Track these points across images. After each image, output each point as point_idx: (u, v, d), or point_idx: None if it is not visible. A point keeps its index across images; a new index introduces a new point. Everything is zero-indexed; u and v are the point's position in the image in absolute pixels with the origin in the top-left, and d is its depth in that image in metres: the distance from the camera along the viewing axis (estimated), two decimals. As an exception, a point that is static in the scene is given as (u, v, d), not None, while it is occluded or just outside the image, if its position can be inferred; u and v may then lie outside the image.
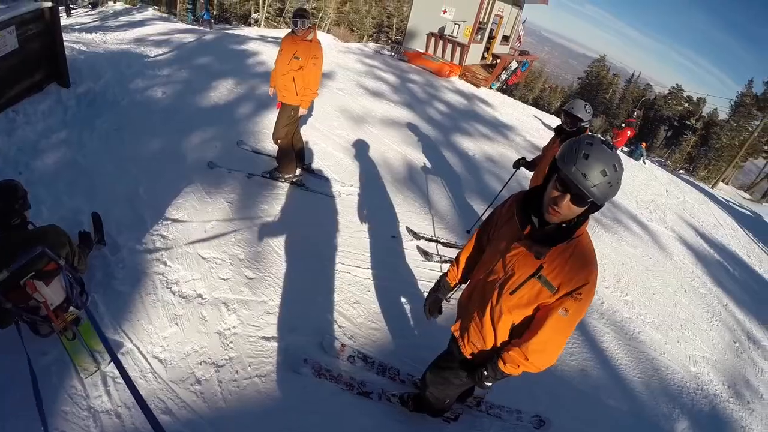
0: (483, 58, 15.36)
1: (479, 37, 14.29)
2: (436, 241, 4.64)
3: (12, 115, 4.65)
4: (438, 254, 4.44)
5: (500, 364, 1.86)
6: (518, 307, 1.75)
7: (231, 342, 3.06)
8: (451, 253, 4.54)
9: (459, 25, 13.40)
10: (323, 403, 2.87)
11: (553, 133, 4.31)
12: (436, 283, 2.39)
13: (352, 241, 4.20)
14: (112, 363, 2.85)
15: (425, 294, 3.87)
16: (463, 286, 2.25)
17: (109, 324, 3.03)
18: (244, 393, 2.84)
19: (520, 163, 4.41)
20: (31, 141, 4.46)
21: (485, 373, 1.95)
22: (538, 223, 1.69)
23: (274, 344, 3.11)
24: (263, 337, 3.13)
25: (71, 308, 2.82)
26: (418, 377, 3.13)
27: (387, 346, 3.39)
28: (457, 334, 2.12)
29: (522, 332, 1.80)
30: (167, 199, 4.16)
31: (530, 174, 4.55)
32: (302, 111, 4.55)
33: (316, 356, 3.11)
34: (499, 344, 1.91)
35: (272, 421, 2.72)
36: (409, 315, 3.70)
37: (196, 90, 6.51)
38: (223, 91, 6.75)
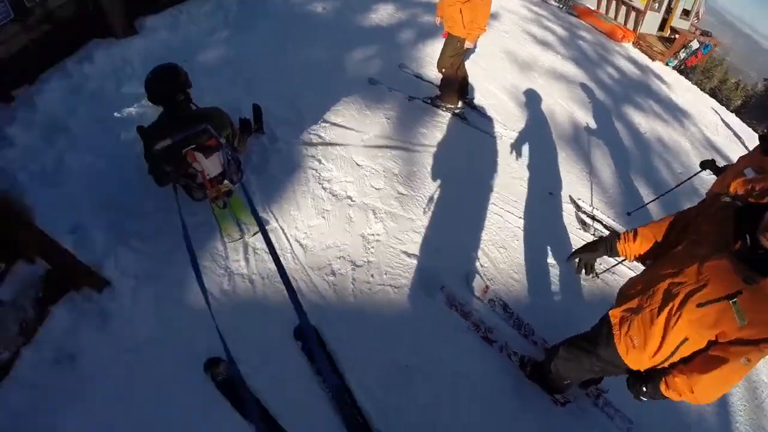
0: (660, 29, 13.28)
1: (657, 5, 12.28)
2: (593, 218, 4.13)
3: (176, 13, 4.93)
4: (596, 231, 3.95)
5: (662, 387, 1.71)
6: (700, 324, 1.56)
7: (372, 247, 2.99)
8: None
9: (638, -13, 11.61)
10: (445, 333, 2.72)
11: (744, 146, 3.43)
12: (599, 239, 2.10)
13: (508, 186, 3.88)
14: (255, 236, 2.97)
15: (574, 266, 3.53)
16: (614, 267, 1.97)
17: (259, 203, 3.14)
18: (374, 297, 2.78)
19: (708, 165, 3.65)
20: (194, 38, 4.70)
21: (644, 389, 1.81)
22: (750, 243, 1.48)
23: (414, 262, 2.98)
24: (404, 252, 3.01)
25: (225, 181, 2.95)
26: (550, 343, 2.82)
27: (523, 300, 3.09)
28: (615, 321, 1.89)
29: (689, 357, 1.65)
30: (327, 105, 4.17)
31: (707, 177, 3.79)
32: (468, 44, 4.23)
33: (453, 287, 2.93)
34: (660, 354, 1.72)
35: (392, 331, 2.65)
36: (553, 277, 3.33)
37: (355, 10, 6.40)
38: (383, 14, 6.57)
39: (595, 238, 2.33)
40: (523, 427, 2.49)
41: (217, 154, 2.83)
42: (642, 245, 1.94)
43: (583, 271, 2.14)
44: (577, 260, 2.13)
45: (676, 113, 8.22)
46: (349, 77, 4.69)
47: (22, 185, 3.00)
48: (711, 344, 1.58)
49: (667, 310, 1.63)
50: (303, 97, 4.18)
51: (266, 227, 3.02)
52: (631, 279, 1.97)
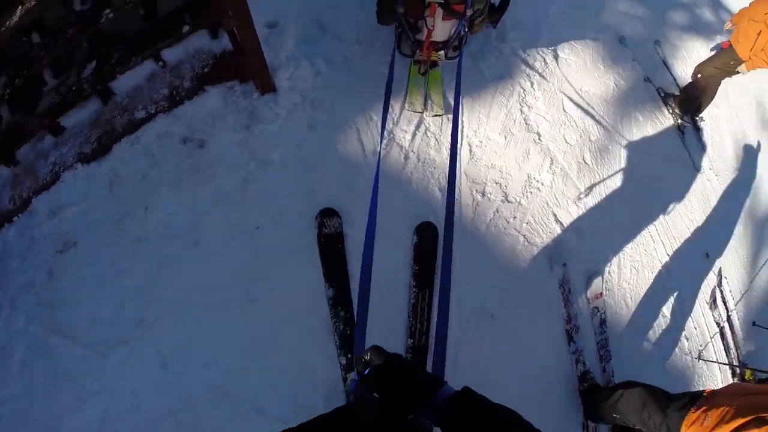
0: None
1: None
2: (724, 302, 3.77)
3: None
4: (720, 318, 3.63)
5: None
6: None
7: (531, 192, 2.95)
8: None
9: None
10: (540, 306, 2.75)
11: None
12: None
13: (676, 220, 3.56)
14: (435, 117, 2.94)
15: (686, 326, 3.34)
16: None
17: (453, 87, 3.03)
18: (503, 236, 2.80)
19: None
20: None
21: None
22: None
23: (557, 229, 2.93)
24: (555, 215, 2.96)
25: (441, 52, 2.85)
26: (618, 379, 2.78)
27: (620, 329, 3.01)
28: (707, 394, 1.88)
29: None
30: (568, 36, 3.84)
31: None
32: (742, 69, 3.64)
33: (573, 272, 2.88)
34: None
35: (498, 276, 2.70)
36: (657, 327, 3.19)
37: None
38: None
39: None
40: (541, 424, 2.55)
41: (454, 21, 2.70)
42: None
43: None
44: None
45: None
46: (603, 22, 4.23)
47: None
48: None
49: (748, 418, 1.59)
50: (549, 12, 3.87)
51: (447, 115, 2.98)
52: (747, 383, 1.91)
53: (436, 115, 2.95)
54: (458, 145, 2.89)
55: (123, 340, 2.32)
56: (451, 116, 2.98)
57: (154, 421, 2.19)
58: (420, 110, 2.96)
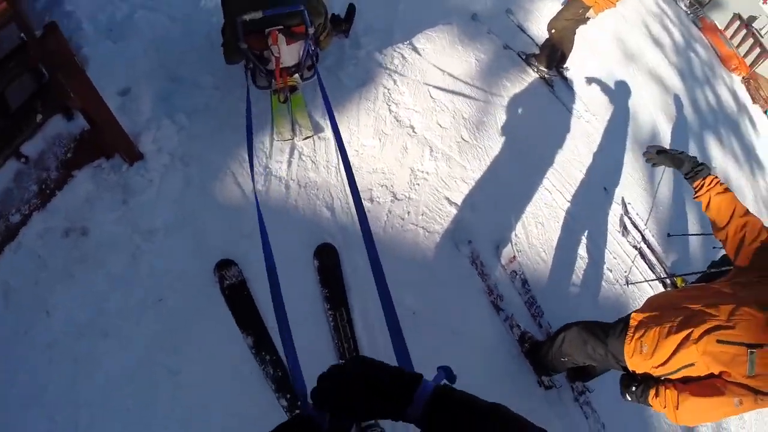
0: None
1: (789, 52, 11.10)
2: (635, 225, 4.00)
3: None
4: (635, 240, 3.85)
5: (651, 393, 1.79)
6: (713, 357, 1.61)
7: (418, 184, 2.99)
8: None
9: (773, 26, 10.48)
10: (458, 289, 2.76)
11: None
12: (691, 157, 2.03)
13: (567, 167, 3.75)
14: (305, 140, 2.94)
15: (605, 258, 3.50)
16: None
17: (319, 106, 3.07)
18: (403, 234, 2.81)
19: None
20: None
21: (633, 389, 1.88)
22: None
23: (453, 211, 2.98)
24: (447, 198, 3.01)
25: (296, 75, 2.83)
26: (554, 330, 2.86)
27: (542, 282, 3.10)
28: (633, 323, 1.95)
29: (686, 380, 1.72)
30: (421, 26, 3.98)
31: None
32: (591, 14, 3.92)
33: (480, 246, 2.94)
34: (662, 368, 1.78)
35: (409, 274, 2.68)
36: (578, 270, 3.31)
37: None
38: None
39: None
40: (499, 397, 2.57)
41: (299, 42, 2.69)
42: (719, 213, 1.88)
43: (648, 160, 2.17)
44: (655, 152, 2.12)
45: (752, 162, 7.66)
46: (453, 4, 4.43)
47: (85, 33, 2.91)
48: (711, 377, 1.65)
49: (686, 331, 1.68)
50: (398, 10, 3.99)
51: (319, 134, 2.98)
52: (664, 292, 2.01)
53: (306, 138, 2.93)
54: (334, 160, 2.91)
55: None
56: (321, 135, 2.99)
57: None
58: (289, 137, 2.93)
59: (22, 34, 2.14)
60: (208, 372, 2.34)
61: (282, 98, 2.89)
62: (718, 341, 1.59)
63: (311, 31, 2.63)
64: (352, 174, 1.92)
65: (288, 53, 2.69)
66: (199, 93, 3.06)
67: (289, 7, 2.54)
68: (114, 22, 3.07)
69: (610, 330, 2.08)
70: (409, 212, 2.85)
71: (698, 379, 1.69)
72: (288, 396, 2.31)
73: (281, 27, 2.56)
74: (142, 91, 2.94)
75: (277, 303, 1.42)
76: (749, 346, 1.54)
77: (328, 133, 3.00)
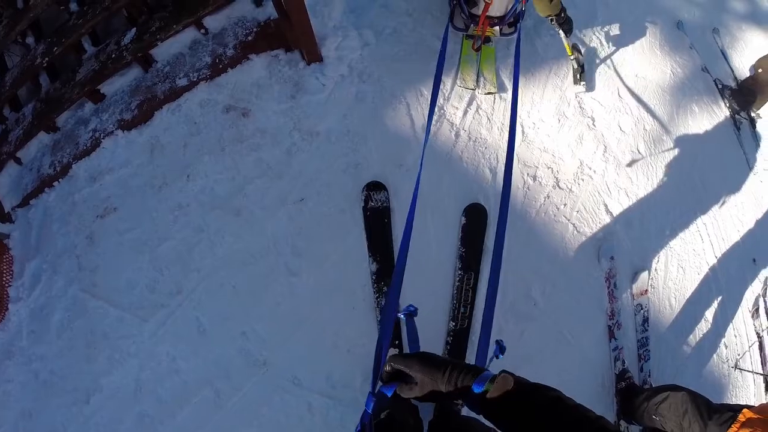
0: None
1: None
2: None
3: None
4: (760, 327, 3.51)
5: None
6: None
7: (583, 180, 2.82)
8: None
9: None
10: (582, 298, 2.65)
11: None
12: None
13: (726, 221, 3.40)
14: (487, 94, 2.82)
15: (725, 335, 3.22)
16: None
17: (509, 66, 2.92)
18: (552, 223, 2.70)
19: None
20: None
21: None
22: None
23: (607, 220, 2.80)
24: (605, 205, 2.83)
25: (496, 28, 2.74)
26: (654, 381, 2.77)
27: (661, 327, 2.91)
28: (742, 418, 1.77)
29: None
30: (624, 18, 3.63)
31: None
32: None
33: (620, 266, 2.77)
34: None
35: (544, 265, 2.61)
36: (698, 331, 3.08)
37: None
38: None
39: None
40: None
41: None
42: None
43: None
44: None
45: None
46: (660, 5, 4.02)
47: None
48: None
49: None
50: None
51: (500, 94, 2.85)
52: None
53: (488, 93, 2.82)
54: (506, 127, 2.77)
55: (162, 306, 2.30)
56: (503, 95, 2.85)
57: (191, 387, 2.17)
58: (472, 87, 2.83)
59: None
60: (325, 284, 2.40)
61: (476, 45, 2.81)
62: None
63: None
64: (513, 146, 1.90)
65: (498, 3, 2.58)
66: (391, 16, 2.99)
67: None
68: None
69: (715, 414, 1.93)
70: (565, 204, 2.71)
71: None
72: (396, 342, 2.32)
73: None
74: None
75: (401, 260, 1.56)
76: None
77: (509, 94, 2.85)
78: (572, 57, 2.91)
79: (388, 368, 0.92)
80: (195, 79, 2.74)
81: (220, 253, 2.44)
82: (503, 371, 0.85)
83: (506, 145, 2.55)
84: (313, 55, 2.74)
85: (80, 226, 2.56)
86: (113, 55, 2.60)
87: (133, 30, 2.60)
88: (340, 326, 2.30)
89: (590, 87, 3.09)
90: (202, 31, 2.80)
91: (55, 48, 2.50)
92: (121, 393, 2.26)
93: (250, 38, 2.76)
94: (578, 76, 2.97)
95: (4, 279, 2.53)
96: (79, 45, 2.70)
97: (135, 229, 2.51)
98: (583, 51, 3.15)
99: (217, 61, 2.75)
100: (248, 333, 2.29)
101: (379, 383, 0.97)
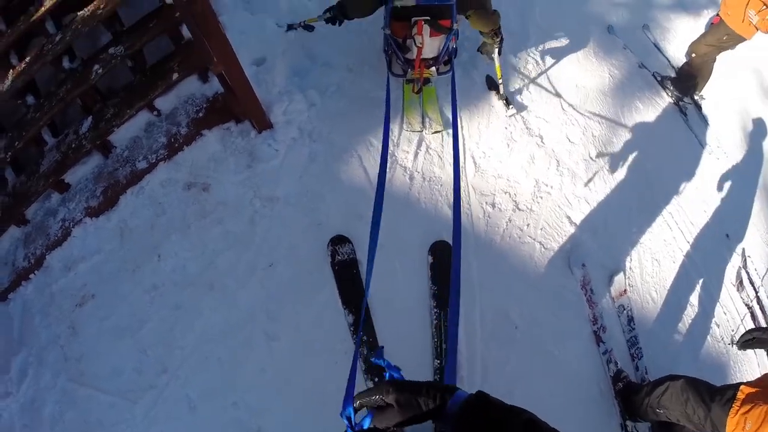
0: None
1: None
2: (751, 283, 3.69)
3: None
4: (748, 299, 3.56)
5: None
6: None
7: (541, 197, 2.91)
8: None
9: None
10: (561, 311, 2.69)
11: None
12: None
13: (691, 204, 3.51)
14: (434, 134, 2.92)
15: (715, 312, 3.28)
16: None
17: (448, 101, 2.98)
18: (520, 246, 2.77)
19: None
20: None
21: None
22: None
23: (572, 230, 2.89)
24: (568, 217, 2.92)
25: (432, 68, 2.85)
26: (652, 376, 2.71)
27: (648, 323, 2.95)
28: (741, 395, 1.85)
29: None
30: (556, 33, 3.82)
31: None
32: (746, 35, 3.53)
33: (594, 271, 2.83)
34: None
35: (519, 286, 2.66)
36: (686, 318, 3.11)
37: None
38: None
39: None
40: (579, 429, 2.48)
41: (442, 36, 2.70)
42: None
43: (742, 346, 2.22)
44: (742, 339, 2.20)
45: None
46: (590, 13, 4.21)
47: (223, 2, 2.99)
48: None
49: None
50: (534, 13, 3.85)
51: (447, 131, 2.95)
52: None
53: (435, 132, 2.93)
54: (460, 159, 2.86)
55: (150, 387, 2.34)
56: (450, 131, 2.96)
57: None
58: (419, 129, 2.93)
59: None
60: (305, 344, 2.45)
61: (415, 89, 2.92)
62: None
63: (456, 26, 2.64)
64: (459, 178, 1.98)
65: (430, 45, 2.70)
66: (332, 73, 3.12)
67: (440, 0, 2.56)
68: (257, -8, 3.14)
69: (717, 395, 1.97)
70: (528, 224, 2.79)
71: None
72: (375, 380, 2.34)
73: (428, 18, 2.58)
74: (277, 63, 3.03)
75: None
76: None
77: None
78: (500, 81, 3.03)
79: (356, 405, 0.92)
80: (154, 161, 2.83)
81: (199, 329, 2.49)
82: (479, 391, 0.84)
83: (463, 177, 2.67)
84: (262, 123, 2.85)
85: (61, 317, 2.60)
86: (73, 145, 2.69)
87: (90, 118, 2.70)
88: (326, 384, 2.31)
89: (532, 106, 3.21)
90: (155, 113, 2.91)
91: (17, 142, 2.58)
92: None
93: (200, 114, 2.87)
94: (505, 102, 3.09)
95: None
96: (40, 137, 2.78)
97: (114, 315, 2.56)
98: (518, 72, 3.32)
99: (172, 140, 2.85)
100: (238, 403, 2.31)
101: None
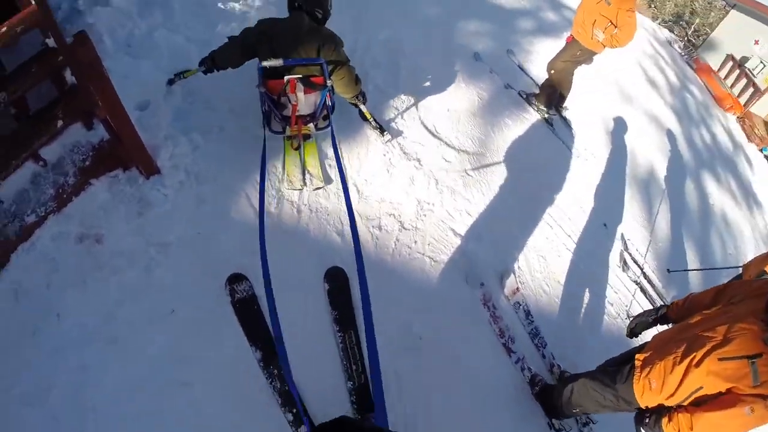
0: (774, 116, 12.37)
1: (780, 91, 11.41)
2: (635, 261, 4.08)
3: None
4: (635, 276, 3.93)
5: (664, 421, 1.83)
6: (717, 375, 1.70)
7: (425, 215, 3.07)
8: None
9: (766, 65, 10.84)
10: (469, 329, 2.78)
11: None
12: (654, 309, 2.36)
13: (567, 204, 3.86)
14: (316, 190, 2.96)
15: (606, 293, 3.58)
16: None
17: (333, 156, 3.10)
18: (410, 262, 2.87)
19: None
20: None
21: (646, 420, 1.94)
22: None
23: (458, 241, 3.05)
24: (452, 230, 3.09)
25: (310, 125, 2.90)
26: (560, 363, 2.91)
27: (545, 314, 3.14)
28: (638, 363, 2.03)
29: (699, 403, 1.77)
30: (425, 65, 4.15)
31: None
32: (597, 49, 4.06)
33: (489, 282, 2.99)
34: (673, 398, 1.85)
35: (417, 300, 2.73)
36: (577, 302, 3.37)
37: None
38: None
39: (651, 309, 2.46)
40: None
41: (317, 93, 2.75)
42: (690, 309, 2.10)
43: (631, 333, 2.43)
44: (630, 328, 2.42)
45: (749, 199, 7.80)
46: (456, 44, 4.64)
47: (105, 47, 2.98)
48: (720, 395, 1.72)
49: (689, 358, 1.77)
50: (403, 48, 4.16)
51: (327, 187, 3.01)
52: (663, 330, 2.12)
53: (316, 189, 2.92)
54: (350, 202, 2.91)
55: None
56: (331, 186, 3.01)
57: None
58: (299, 186, 2.91)
59: (47, 41, 2.17)
60: (217, 385, 2.34)
61: (295, 145, 2.93)
62: (720, 359, 1.68)
63: (330, 83, 2.71)
64: (353, 216, 2.12)
65: (305, 102, 2.75)
66: (214, 115, 3.13)
67: (309, 59, 2.65)
68: (133, 38, 3.16)
69: (617, 376, 2.13)
70: (416, 241, 2.92)
71: (709, 399, 1.75)
72: (294, 411, 2.32)
73: (300, 76, 2.64)
74: (160, 108, 2.99)
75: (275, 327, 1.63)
76: (750, 357, 1.63)
77: (339, 184, 2.98)
78: (371, 119, 3.23)
79: None
80: (43, 214, 2.63)
81: (109, 386, 2.32)
82: (342, 416, 0.89)
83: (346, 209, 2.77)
84: (149, 168, 2.78)
85: (-37, 390, 2.35)
86: (-46, 205, 2.46)
87: (-29, 171, 2.51)
88: (249, 423, 2.27)
89: (407, 132, 3.45)
90: (41, 163, 2.73)
91: None
92: None
93: (87, 163, 2.71)
94: (379, 131, 3.28)
95: None
96: None
97: (19, 384, 2.31)
98: (391, 104, 3.57)
99: (60, 191, 2.68)
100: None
101: None
